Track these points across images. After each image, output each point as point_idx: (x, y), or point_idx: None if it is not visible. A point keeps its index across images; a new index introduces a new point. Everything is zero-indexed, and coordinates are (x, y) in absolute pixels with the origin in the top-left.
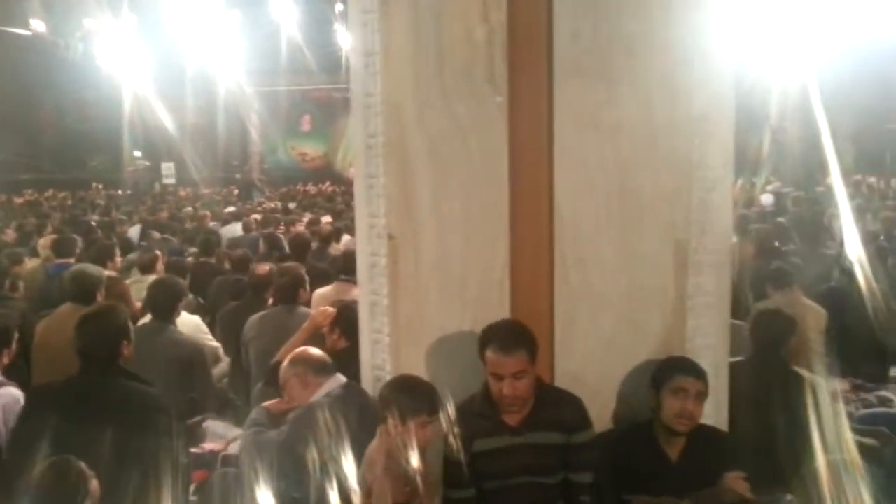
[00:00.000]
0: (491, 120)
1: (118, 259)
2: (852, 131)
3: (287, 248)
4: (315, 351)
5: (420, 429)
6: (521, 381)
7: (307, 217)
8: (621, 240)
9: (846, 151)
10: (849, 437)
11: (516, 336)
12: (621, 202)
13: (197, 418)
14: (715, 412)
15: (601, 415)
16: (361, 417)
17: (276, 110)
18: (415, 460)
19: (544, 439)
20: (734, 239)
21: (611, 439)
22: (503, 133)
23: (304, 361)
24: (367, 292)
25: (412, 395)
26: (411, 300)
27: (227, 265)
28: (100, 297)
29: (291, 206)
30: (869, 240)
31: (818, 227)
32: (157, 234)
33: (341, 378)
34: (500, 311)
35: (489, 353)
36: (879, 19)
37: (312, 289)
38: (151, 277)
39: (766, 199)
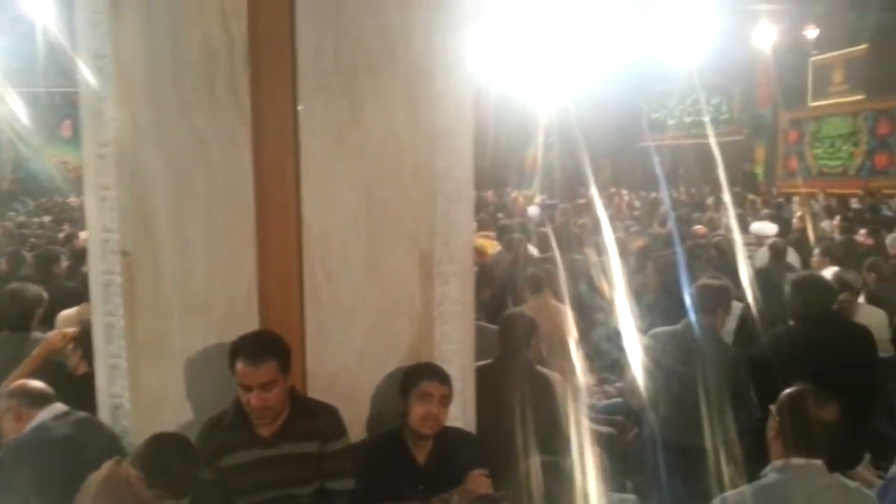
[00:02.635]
0: (234, 133)
1: None
2: (609, 149)
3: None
4: (34, 382)
5: None
6: (271, 391)
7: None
8: (369, 253)
9: (604, 167)
10: (587, 429)
11: (265, 346)
12: (369, 217)
13: None
14: (463, 413)
15: (354, 425)
16: (84, 448)
17: (34, 114)
18: None
19: (299, 449)
20: (498, 247)
21: (363, 447)
22: (247, 146)
23: (20, 393)
24: (102, 313)
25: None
26: (150, 321)
27: None
28: None
29: (46, 219)
30: (623, 248)
31: (572, 236)
32: None
33: (59, 407)
34: (247, 328)
35: (238, 365)
36: (630, 46)
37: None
38: None
39: (533, 210)
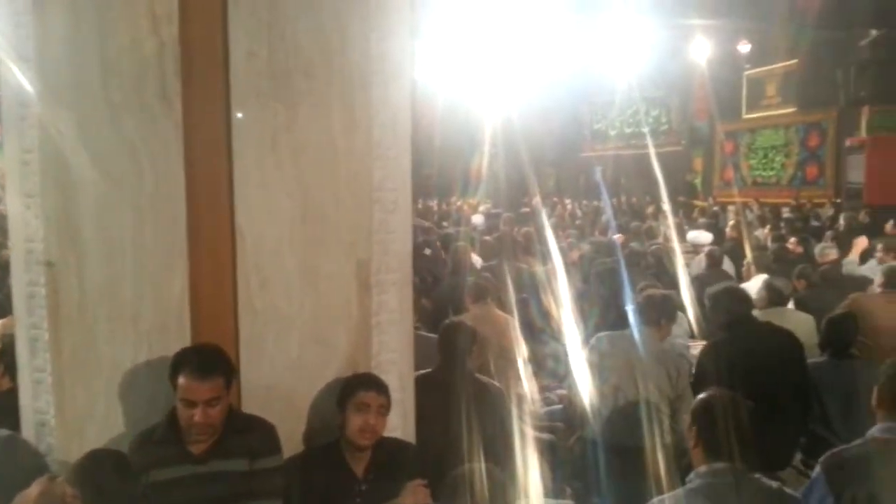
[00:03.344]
0: (164, 138)
1: None
2: (553, 158)
3: None
4: None
5: None
6: (215, 408)
7: None
8: (305, 261)
9: (548, 176)
10: (528, 437)
11: (212, 360)
12: (304, 224)
13: None
14: (402, 423)
15: (291, 437)
16: (6, 467)
17: None
18: None
19: (229, 467)
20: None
21: (299, 460)
22: (178, 152)
23: None
24: (26, 326)
25: None
26: (76, 333)
27: None
28: None
29: None
30: (565, 256)
31: (516, 245)
32: None
33: None
34: (179, 340)
35: (182, 379)
36: (572, 59)
37: None
38: None
39: (477, 218)
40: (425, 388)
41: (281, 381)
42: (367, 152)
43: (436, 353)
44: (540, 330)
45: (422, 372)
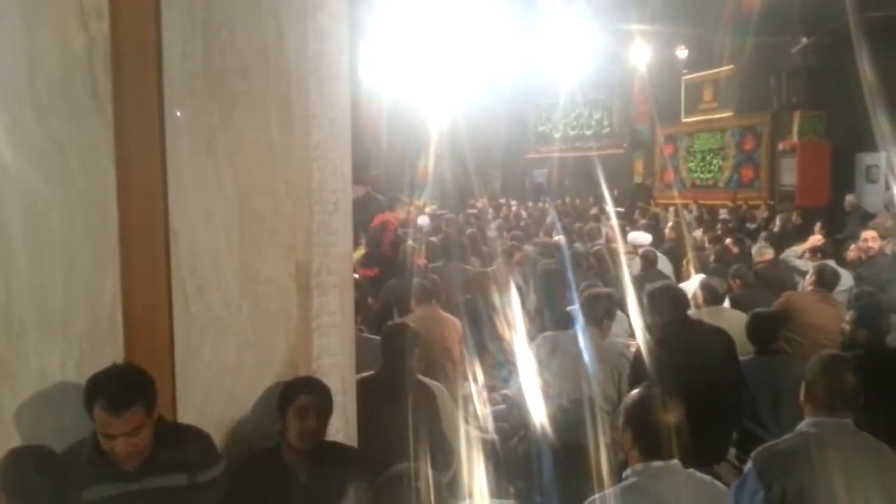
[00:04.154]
0: (94, 138)
1: None
2: (498, 160)
3: None
4: None
5: None
6: (137, 436)
7: None
8: (243, 265)
9: (494, 178)
10: (472, 437)
11: (130, 390)
12: (241, 227)
13: None
14: (345, 427)
15: (230, 443)
16: None
17: None
18: None
19: (165, 483)
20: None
21: (240, 467)
22: (110, 152)
23: None
24: None
25: None
26: (2, 340)
27: None
28: None
29: None
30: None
31: (463, 246)
32: None
33: None
34: (111, 346)
35: (97, 412)
36: (515, 61)
37: None
38: None
39: (422, 220)
40: (368, 391)
41: (219, 386)
42: (305, 153)
43: (379, 355)
44: (485, 330)
45: (364, 374)
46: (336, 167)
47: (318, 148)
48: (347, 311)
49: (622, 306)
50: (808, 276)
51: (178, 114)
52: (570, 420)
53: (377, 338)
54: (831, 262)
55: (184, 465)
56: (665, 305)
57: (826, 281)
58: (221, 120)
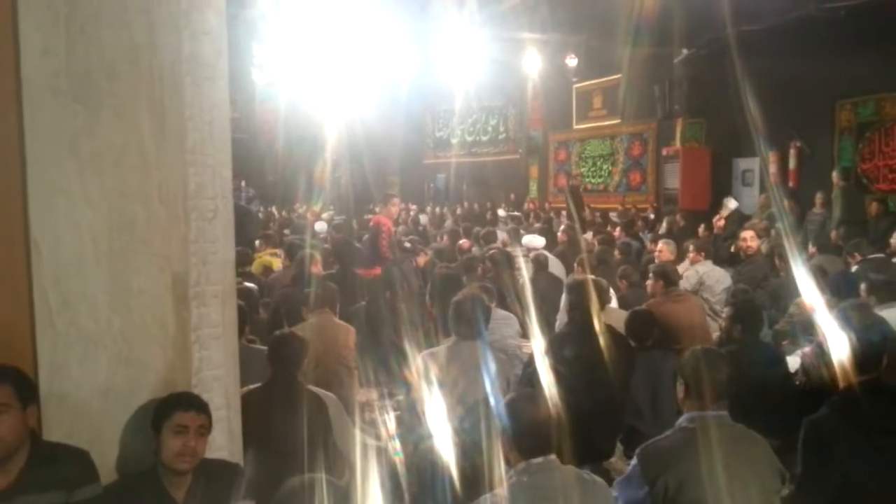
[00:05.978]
0: None
1: None
2: (397, 166)
3: None
4: None
5: None
6: (2, 419)
7: None
8: (113, 276)
9: (393, 183)
10: (366, 446)
11: None
12: (111, 235)
13: None
14: (229, 443)
15: (102, 469)
16: None
17: None
18: None
19: (40, 501)
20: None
21: (114, 490)
22: None
23: None
24: None
25: None
26: None
27: None
28: None
29: None
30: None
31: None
32: None
33: None
34: None
35: None
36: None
37: None
38: None
39: (319, 226)
40: (255, 404)
41: (88, 407)
42: (180, 158)
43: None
44: (382, 337)
45: (251, 386)
46: (215, 172)
47: (195, 152)
48: (230, 322)
49: (514, 308)
50: (650, 282)
51: (39, 115)
52: (463, 424)
53: (264, 348)
54: (708, 263)
55: (60, 483)
56: (579, 299)
57: (671, 279)
58: (87, 122)
